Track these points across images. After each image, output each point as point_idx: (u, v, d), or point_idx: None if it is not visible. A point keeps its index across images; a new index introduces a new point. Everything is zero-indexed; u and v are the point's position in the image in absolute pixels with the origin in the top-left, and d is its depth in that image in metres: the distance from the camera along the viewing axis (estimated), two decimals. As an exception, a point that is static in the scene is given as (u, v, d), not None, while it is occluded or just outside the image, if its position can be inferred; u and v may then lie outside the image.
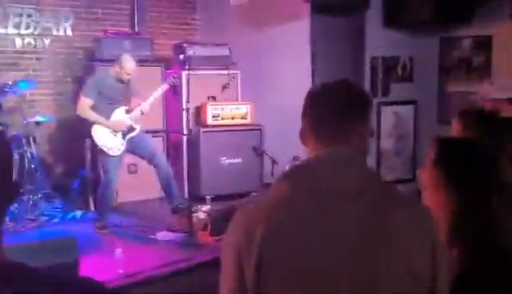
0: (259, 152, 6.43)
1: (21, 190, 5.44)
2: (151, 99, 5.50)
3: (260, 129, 6.64)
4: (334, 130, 1.41)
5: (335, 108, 1.43)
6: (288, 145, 6.33)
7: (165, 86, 5.70)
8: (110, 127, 5.36)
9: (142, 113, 5.48)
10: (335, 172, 1.34)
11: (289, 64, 6.71)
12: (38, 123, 6.31)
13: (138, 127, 5.51)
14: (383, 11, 6.05)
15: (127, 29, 7.24)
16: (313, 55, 6.14)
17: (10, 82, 6.01)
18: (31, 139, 6.11)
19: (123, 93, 5.44)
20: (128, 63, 5.33)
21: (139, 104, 5.47)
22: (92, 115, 5.35)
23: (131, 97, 5.53)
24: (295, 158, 4.78)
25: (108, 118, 5.39)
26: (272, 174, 5.66)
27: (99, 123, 5.35)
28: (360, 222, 1.31)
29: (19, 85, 6.11)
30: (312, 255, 1.28)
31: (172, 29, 7.68)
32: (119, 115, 5.44)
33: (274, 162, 5.90)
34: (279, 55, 6.83)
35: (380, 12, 6.07)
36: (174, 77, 5.72)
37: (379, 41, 6.11)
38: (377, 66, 6.17)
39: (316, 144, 1.43)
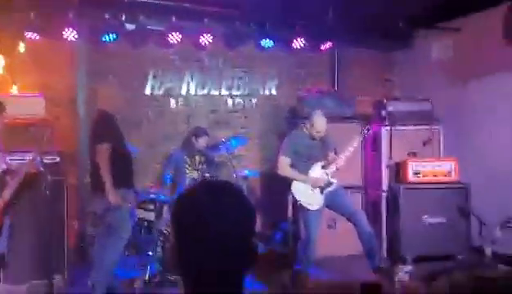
0: (466, 212, 6.19)
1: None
2: (346, 153, 5.50)
3: (466, 187, 6.35)
4: None
5: None
6: (496, 206, 5.96)
7: (358, 139, 5.69)
8: (308, 184, 5.48)
9: (338, 169, 5.52)
10: None
11: (497, 120, 6.40)
12: (245, 177, 6.71)
13: (335, 182, 5.55)
14: None
15: (327, 88, 7.62)
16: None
17: (223, 140, 6.53)
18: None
19: (318, 150, 5.55)
20: (318, 121, 5.42)
21: (335, 160, 5.52)
22: (290, 173, 5.51)
23: (327, 153, 5.61)
24: (508, 222, 4.46)
25: (306, 174, 5.51)
26: (481, 235, 5.32)
27: (298, 180, 5.50)
28: None
29: (231, 142, 6.62)
30: None
31: (372, 87, 7.76)
32: (316, 171, 5.54)
33: (482, 223, 5.63)
34: (486, 111, 6.61)
35: None
36: (367, 130, 5.70)
37: None
38: None
39: None
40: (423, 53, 7.52)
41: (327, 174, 5.52)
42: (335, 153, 5.63)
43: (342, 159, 5.48)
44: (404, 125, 6.72)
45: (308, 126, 5.48)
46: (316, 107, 6.28)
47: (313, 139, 5.51)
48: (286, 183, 5.66)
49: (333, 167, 5.51)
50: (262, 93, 7.69)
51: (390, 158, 6.56)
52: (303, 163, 5.52)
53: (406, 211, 6.32)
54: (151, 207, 6.04)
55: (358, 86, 7.73)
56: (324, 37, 7.24)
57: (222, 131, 7.27)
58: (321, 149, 5.58)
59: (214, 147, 6.76)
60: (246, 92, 7.62)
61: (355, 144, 5.58)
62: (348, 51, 7.77)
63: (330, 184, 5.52)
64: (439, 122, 6.80)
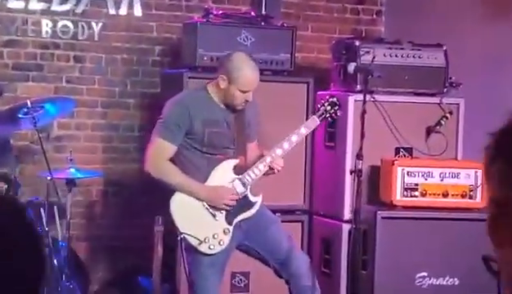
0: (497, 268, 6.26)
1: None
2: (285, 147, 5.62)
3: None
4: None
5: None
6: None
7: (312, 123, 5.82)
8: (205, 199, 5.50)
9: (267, 174, 5.61)
10: None
11: None
12: (71, 182, 6.54)
13: (259, 202, 5.65)
14: None
15: (245, 9, 7.62)
16: None
17: (29, 103, 6.22)
18: (56, 211, 6.52)
19: (232, 133, 5.62)
20: (245, 71, 5.46)
21: (261, 156, 5.60)
22: (173, 174, 5.52)
23: (247, 141, 5.71)
24: None
25: (203, 180, 5.51)
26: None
27: (185, 191, 5.49)
28: None
29: (43, 107, 6.41)
30: None
31: (332, 13, 8.03)
32: (224, 176, 5.60)
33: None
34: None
35: None
36: (331, 105, 5.77)
37: None
38: None
39: None
40: None
41: (244, 184, 5.59)
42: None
43: (277, 156, 5.61)
44: (392, 94, 6.88)
45: (223, 82, 5.47)
46: (223, 46, 6.53)
47: (227, 108, 5.55)
48: (158, 197, 5.85)
49: (257, 172, 5.58)
50: (112, 12, 7.58)
51: (360, 157, 6.39)
52: (199, 158, 5.59)
53: (387, 259, 6.44)
54: None
55: (306, 7, 7.93)
56: None
57: (27, 86, 7.27)
58: (237, 132, 5.64)
59: (10, 117, 6.53)
60: (80, 9, 7.48)
61: (305, 132, 5.81)
62: None
63: (248, 205, 5.64)
64: (459, 90, 6.94)
